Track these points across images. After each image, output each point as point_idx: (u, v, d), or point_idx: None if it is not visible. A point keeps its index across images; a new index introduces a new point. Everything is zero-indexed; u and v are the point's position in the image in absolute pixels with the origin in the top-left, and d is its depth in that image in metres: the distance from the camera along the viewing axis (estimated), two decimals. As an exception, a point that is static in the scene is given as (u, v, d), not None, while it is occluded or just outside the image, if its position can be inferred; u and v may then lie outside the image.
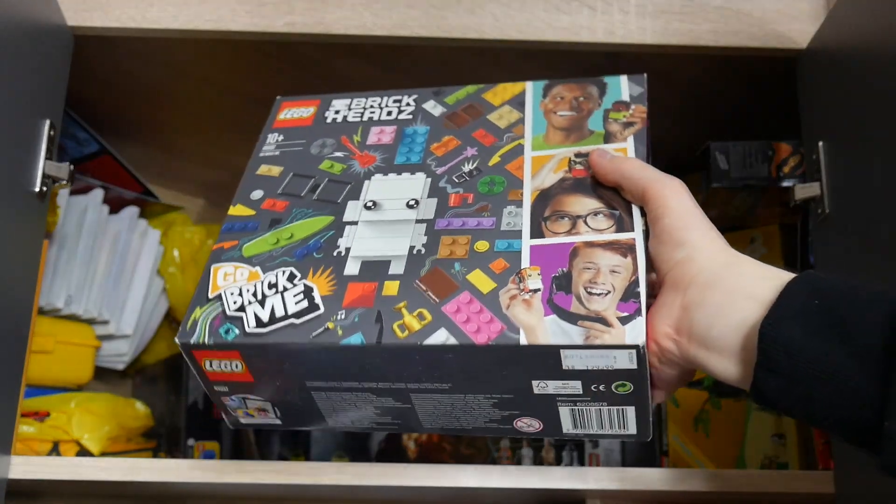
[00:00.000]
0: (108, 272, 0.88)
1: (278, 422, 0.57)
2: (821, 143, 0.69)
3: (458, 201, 0.57)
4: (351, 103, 0.67)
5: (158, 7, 0.75)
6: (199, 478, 0.66)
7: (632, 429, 0.53)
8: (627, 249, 0.51)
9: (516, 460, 0.91)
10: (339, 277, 0.54)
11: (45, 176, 0.69)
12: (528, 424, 0.54)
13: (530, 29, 0.75)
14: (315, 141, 0.64)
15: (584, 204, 0.54)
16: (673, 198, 0.50)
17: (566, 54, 0.77)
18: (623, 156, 0.56)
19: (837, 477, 0.66)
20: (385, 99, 0.67)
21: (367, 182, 0.60)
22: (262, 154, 0.64)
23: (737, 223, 0.90)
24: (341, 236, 0.56)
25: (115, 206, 0.92)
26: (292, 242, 0.57)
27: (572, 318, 0.48)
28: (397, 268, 0.54)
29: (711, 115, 0.88)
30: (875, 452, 0.41)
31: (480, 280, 0.52)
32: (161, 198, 1.00)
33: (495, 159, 0.59)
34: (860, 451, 0.43)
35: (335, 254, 0.55)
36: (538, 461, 0.91)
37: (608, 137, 0.58)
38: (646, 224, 0.52)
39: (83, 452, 0.80)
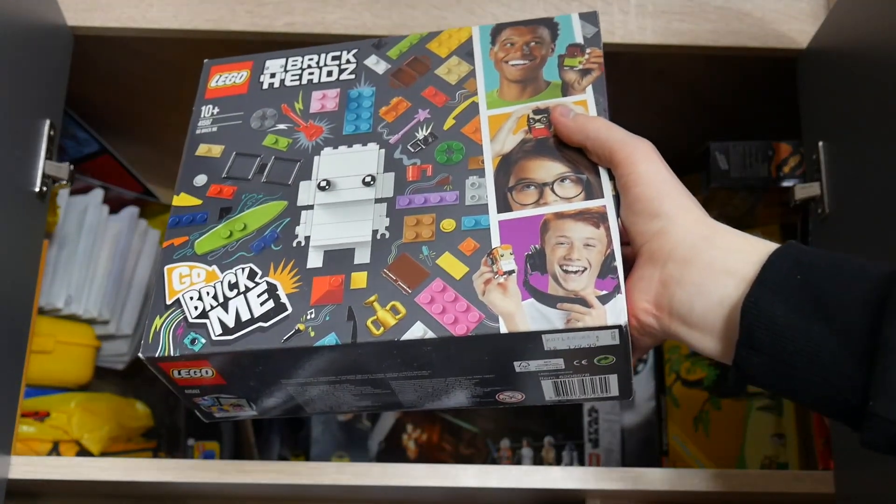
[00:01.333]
0: (108, 272, 0.88)
1: (254, 413, 0.56)
2: (821, 143, 0.69)
3: (416, 174, 0.55)
4: (286, 63, 0.63)
5: (158, 7, 0.75)
6: (199, 478, 0.66)
7: (614, 392, 0.52)
8: (599, 219, 0.50)
9: (516, 460, 0.91)
10: (303, 271, 0.52)
11: (45, 176, 0.69)
12: (511, 396, 0.53)
13: (530, 29, 0.75)
14: (254, 112, 0.60)
15: (548, 169, 0.53)
16: (643, 163, 0.49)
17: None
18: (587, 114, 0.54)
19: (837, 477, 0.66)
20: (323, 56, 0.62)
21: (316, 158, 0.57)
22: (198, 131, 0.60)
23: (737, 223, 0.90)
24: (298, 224, 0.54)
25: (115, 206, 0.92)
26: (247, 234, 0.54)
27: (551, 301, 0.47)
28: (363, 256, 0.52)
29: (711, 115, 0.88)
30: (856, 429, 0.41)
31: (451, 264, 0.50)
32: (161, 198, 1.00)
33: (450, 122, 0.57)
34: (845, 427, 0.42)
35: (294, 244, 0.53)
36: (538, 461, 0.91)
37: (566, 89, 0.56)
38: (615, 188, 0.51)
39: (83, 452, 0.80)
